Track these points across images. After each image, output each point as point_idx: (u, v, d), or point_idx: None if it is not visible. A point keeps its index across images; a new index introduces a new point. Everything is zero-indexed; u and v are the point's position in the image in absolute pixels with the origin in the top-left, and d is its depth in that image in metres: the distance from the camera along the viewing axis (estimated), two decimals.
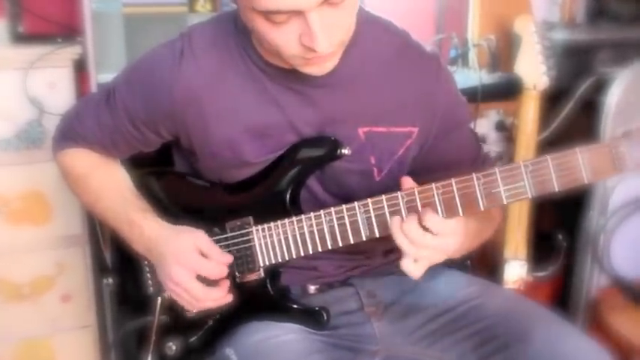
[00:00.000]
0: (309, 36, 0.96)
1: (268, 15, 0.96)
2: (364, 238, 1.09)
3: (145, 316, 1.24)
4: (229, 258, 1.15)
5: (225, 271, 1.15)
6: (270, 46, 1.02)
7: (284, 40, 0.99)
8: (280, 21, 0.96)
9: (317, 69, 1.05)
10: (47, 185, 1.80)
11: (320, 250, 1.12)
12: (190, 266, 1.13)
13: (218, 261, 1.14)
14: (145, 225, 1.18)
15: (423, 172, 1.19)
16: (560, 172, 1.01)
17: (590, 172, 1.00)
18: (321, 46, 0.97)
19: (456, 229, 1.05)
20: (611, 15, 2.19)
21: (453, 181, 1.04)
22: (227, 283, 1.16)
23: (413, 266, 1.05)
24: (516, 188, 1.02)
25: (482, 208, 1.04)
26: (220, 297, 1.16)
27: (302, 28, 0.96)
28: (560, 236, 2.02)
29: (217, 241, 1.17)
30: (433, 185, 1.05)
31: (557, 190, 1.01)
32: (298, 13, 0.95)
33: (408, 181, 1.07)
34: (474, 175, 1.03)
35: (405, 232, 1.03)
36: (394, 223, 1.05)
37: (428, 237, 1.03)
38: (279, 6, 0.94)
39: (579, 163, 1.00)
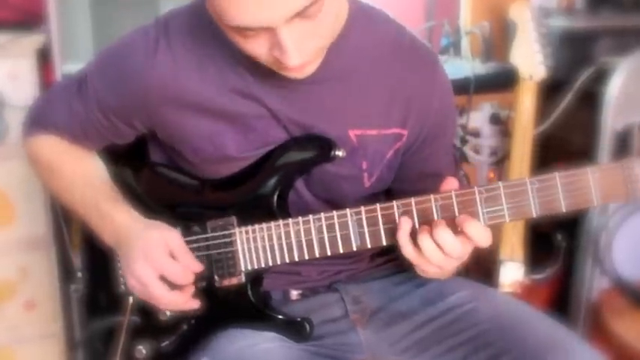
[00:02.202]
0: (280, 51, 0.96)
1: (238, 29, 0.96)
2: (355, 249, 1.09)
3: (114, 317, 1.24)
4: (199, 266, 1.15)
5: (190, 279, 1.15)
6: (245, 53, 1.02)
7: (256, 51, 0.99)
8: (251, 35, 0.97)
9: (297, 74, 1.04)
10: (9, 184, 1.80)
11: (307, 257, 1.12)
12: (156, 265, 1.13)
13: (186, 266, 1.14)
14: (115, 215, 1.18)
15: (396, 181, 1.21)
16: (568, 192, 1.00)
17: (600, 195, 0.99)
18: (292, 61, 0.97)
19: (464, 254, 1.05)
20: (611, 1, 2.20)
21: (453, 193, 1.03)
22: (191, 290, 1.16)
23: (435, 269, 1.06)
24: (520, 207, 1.01)
25: (483, 224, 1.03)
26: (182, 302, 1.16)
27: (273, 42, 0.96)
28: (558, 236, 2.03)
29: (197, 241, 1.17)
30: (432, 196, 1.04)
31: (564, 210, 1.00)
32: (268, 28, 0.95)
33: (451, 182, 1.05)
34: (475, 189, 1.03)
35: (419, 244, 1.02)
36: (403, 229, 1.03)
37: (440, 255, 1.02)
38: (247, 23, 0.93)
39: (589, 184, 0.99)
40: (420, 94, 1.16)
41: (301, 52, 0.97)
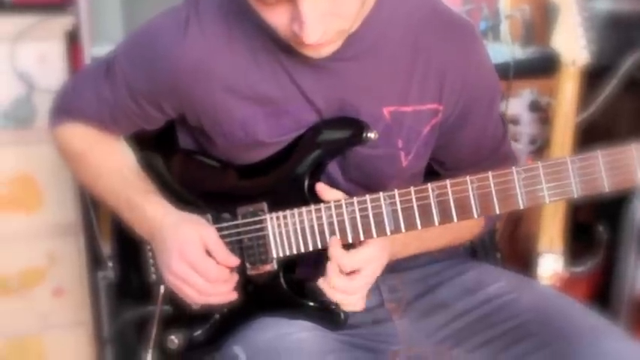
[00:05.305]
0: (299, 24, 0.96)
1: None
2: (389, 233, 1.09)
3: (145, 307, 1.25)
4: (235, 261, 1.16)
5: (224, 274, 1.16)
6: (265, 24, 1.02)
7: (276, 21, 1.00)
8: (271, 3, 0.97)
9: (313, 52, 1.04)
10: (38, 169, 1.82)
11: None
12: (190, 261, 1.14)
13: (222, 262, 1.15)
14: (147, 207, 1.19)
15: (445, 163, 1.22)
16: (611, 170, 0.99)
17: None
18: (310, 37, 0.97)
19: (373, 254, 1.10)
20: None
21: (490, 174, 1.03)
22: (235, 279, 1.17)
23: (353, 302, 1.12)
24: (561, 187, 1.01)
25: (521, 207, 1.03)
26: (225, 293, 1.17)
27: (293, 13, 0.96)
28: (600, 227, 2.02)
29: (227, 228, 1.18)
30: (468, 178, 1.04)
31: (607, 190, 1.00)
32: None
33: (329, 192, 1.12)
34: (514, 169, 1.03)
35: (335, 288, 1.09)
36: (321, 285, 1.11)
37: (355, 281, 1.09)
38: None
39: (634, 162, 0.98)
40: (454, 66, 1.15)
41: (320, 30, 0.97)
